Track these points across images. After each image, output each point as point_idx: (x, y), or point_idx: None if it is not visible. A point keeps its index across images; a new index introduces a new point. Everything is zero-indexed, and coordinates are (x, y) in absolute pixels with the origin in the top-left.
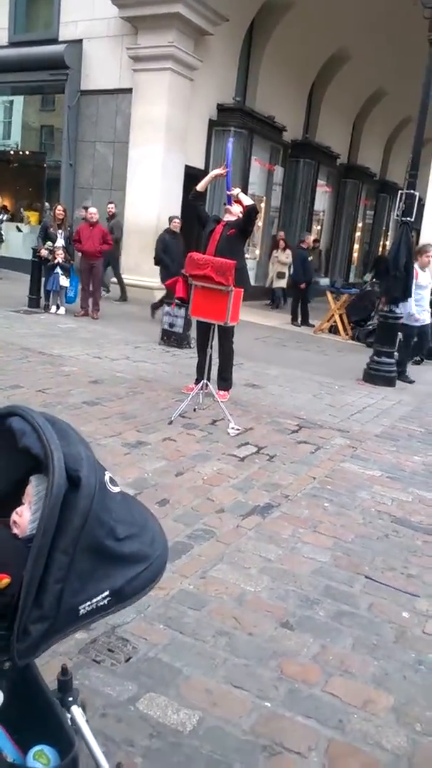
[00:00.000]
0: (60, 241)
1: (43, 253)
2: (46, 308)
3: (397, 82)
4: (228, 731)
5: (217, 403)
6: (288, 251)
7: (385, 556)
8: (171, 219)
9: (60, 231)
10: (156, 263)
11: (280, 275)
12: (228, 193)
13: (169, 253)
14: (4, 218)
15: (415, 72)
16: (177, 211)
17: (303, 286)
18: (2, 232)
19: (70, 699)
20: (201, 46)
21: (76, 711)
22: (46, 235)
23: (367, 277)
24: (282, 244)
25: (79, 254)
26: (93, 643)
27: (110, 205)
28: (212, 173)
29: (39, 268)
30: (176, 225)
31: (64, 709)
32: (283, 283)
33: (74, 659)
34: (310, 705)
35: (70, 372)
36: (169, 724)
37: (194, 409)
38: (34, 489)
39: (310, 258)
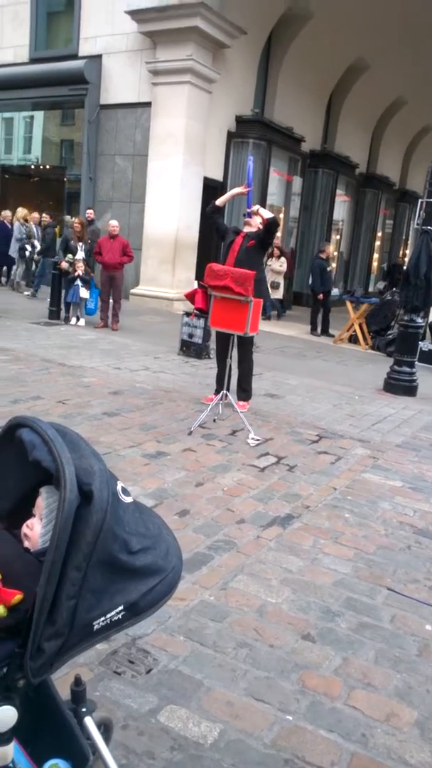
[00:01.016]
0: (80, 254)
1: (64, 265)
2: (67, 320)
3: (417, 91)
4: (249, 744)
5: (237, 414)
6: (283, 259)
7: (407, 567)
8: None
9: (80, 244)
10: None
11: (275, 285)
12: (248, 211)
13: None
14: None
15: None
16: (195, 222)
17: (321, 296)
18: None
19: (84, 710)
20: (219, 58)
21: (90, 723)
22: (66, 248)
23: (380, 285)
24: (276, 252)
25: (100, 266)
26: (113, 654)
27: (89, 211)
28: (233, 192)
29: (59, 280)
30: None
31: (76, 721)
32: (278, 294)
33: (95, 671)
34: (332, 718)
35: (90, 383)
36: (190, 737)
37: (214, 420)
38: (44, 501)
39: (329, 268)
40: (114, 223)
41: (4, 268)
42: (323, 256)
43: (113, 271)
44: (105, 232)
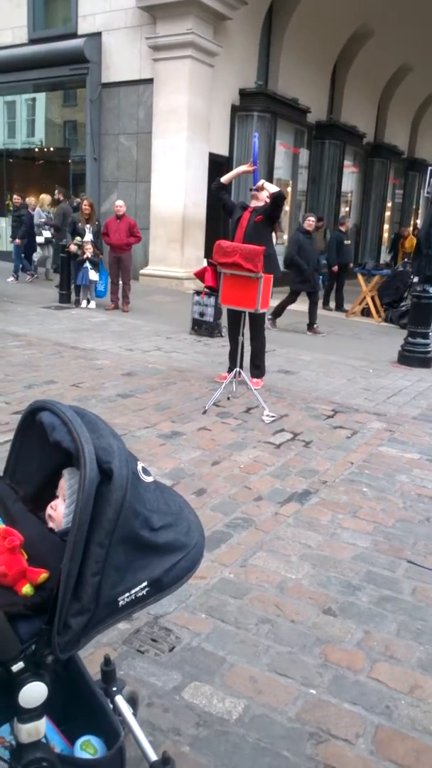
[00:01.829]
0: (88, 236)
1: (73, 248)
2: (77, 303)
3: (423, 57)
4: (274, 719)
5: (251, 391)
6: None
7: (426, 540)
8: (305, 217)
9: (88, 226)
10: (286, 266)
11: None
12: (253, 187)
13: (304, 254)
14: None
15: None
16: (203, 199)
17: (335, 269)
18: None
19: (114, 689)
20: (220, 31)
21: (120, 701)
22: (74, 230)
23: (387, 256)
24: None
25: (108, 248)
26: (136, 633)
27: (56, 192)
28: (239, 169)
29: (68, 263)
30: (310, 224)
31: (108, 700)
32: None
33: (118, 650)
34: (355, 691)
35: (103, 365)
36: (214, 713)
37: (228, 398)
38: (67, 482)
39: (346, 241)
40: (120, 203)
41: (35, 261)
42: (342, 229)
43: (120, 253)
44: (113, 212)
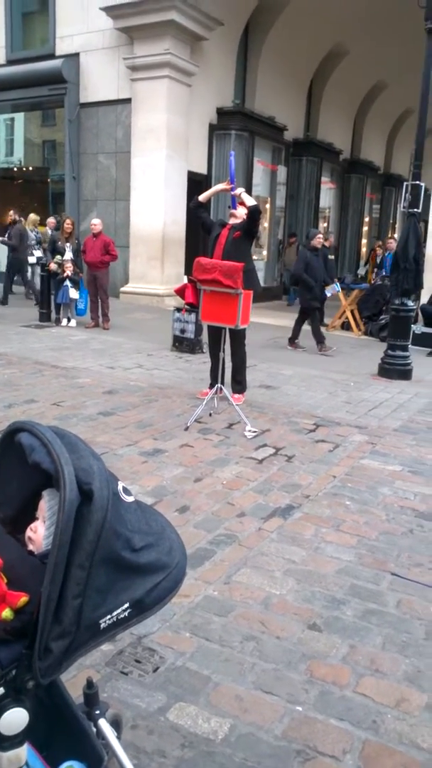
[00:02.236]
0: (68, 254)
1: (53, 267)
2: (57, 321)
3: (397, 75)
4: (260, 737)
5: (233, 407)
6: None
7: (410, 551)
8: (313, 235)
9: (68, 244)
10: (293, 283)
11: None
12: (232, 193)
13: (312, 272)
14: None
15: (415, 63)
16: (182, 217)
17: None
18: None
19: (97, 712)
20: (197, 51)
21: (104, 724)
22: (54, 249)
23: (362, 270)
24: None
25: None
26: (120, 654)
27: (10, 212)
28: (216, 188)
29: (48, 281)
30: (318, 241)
31: (91, 723)
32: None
33: (102, 671)
34: (342, 707)
35: (84, 384)
36: (200, 733)
37: (210, 414)
38: (47, 504)
39: (330, 257)
40: (95, 221)
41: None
42: (327, 244)
43: (96, 270)
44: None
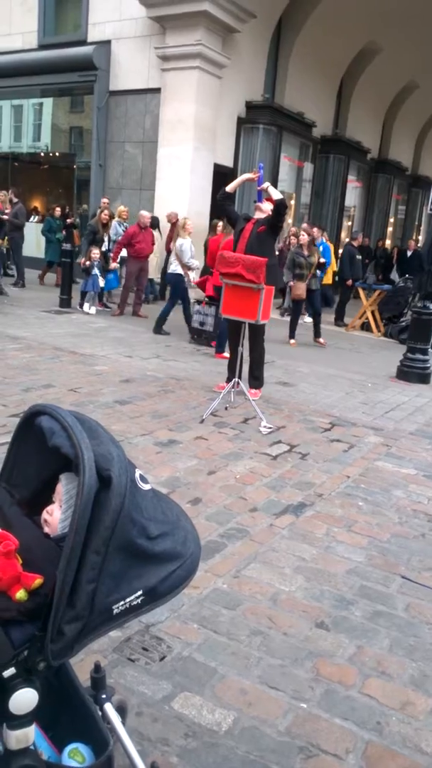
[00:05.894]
0: (105, 245)
1: (95, 255)
2: (81, 306)
3: (429, 75)
4: (264, 732)
5: (249, 402)
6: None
7: (421, 555)
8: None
9: (106, 235)
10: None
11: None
12: (258, 188)
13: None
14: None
15: None
16: (206, 209)
17: (349, 283)
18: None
19: (104, 696)
20: (229, 43)
21: (110, 709)
22: (94, 239)
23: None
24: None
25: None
26: (127, 641)
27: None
28: (243, 177)
29: (70, 268)
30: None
31: (97, 707)
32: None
33: (109, 657)
34: (346, 706)
35: (101, 371)
36: (204, 724)
37: (226, 408)
38: (64, 488)
39: (358, 256)
40: (146, 213)
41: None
42: (355, 244)
43: (144, 261)
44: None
